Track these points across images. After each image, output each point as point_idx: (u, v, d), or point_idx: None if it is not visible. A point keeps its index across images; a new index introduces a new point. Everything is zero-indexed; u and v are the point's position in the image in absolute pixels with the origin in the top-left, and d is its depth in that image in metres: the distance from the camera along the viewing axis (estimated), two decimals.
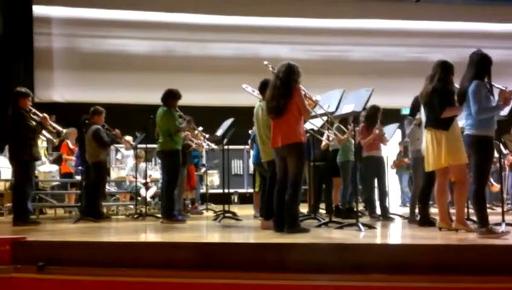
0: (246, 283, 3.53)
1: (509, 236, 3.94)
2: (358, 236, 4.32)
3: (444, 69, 4.59)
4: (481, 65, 4.15)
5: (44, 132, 5.93)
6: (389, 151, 8.09)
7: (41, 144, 7.49)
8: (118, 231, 5.48)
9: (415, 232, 4.66)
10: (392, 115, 7.78)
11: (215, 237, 4.78)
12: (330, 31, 11.85)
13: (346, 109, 4.93)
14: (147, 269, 3.64)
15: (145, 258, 3.75)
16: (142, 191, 8.13)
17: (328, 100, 5.14)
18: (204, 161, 9.94)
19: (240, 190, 11.30)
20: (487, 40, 12.09)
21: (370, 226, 4.86)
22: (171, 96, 6.01)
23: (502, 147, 8.32)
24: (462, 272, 3.41)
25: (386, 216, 6.11)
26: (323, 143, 6.45)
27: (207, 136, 6.86)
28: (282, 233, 4.48)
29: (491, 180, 8.85)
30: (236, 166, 11.60)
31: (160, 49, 11.41)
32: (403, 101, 8.28)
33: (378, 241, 4.03)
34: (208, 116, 8.07)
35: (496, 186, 8.78)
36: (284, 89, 4.56)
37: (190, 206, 7.95)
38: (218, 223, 6.06)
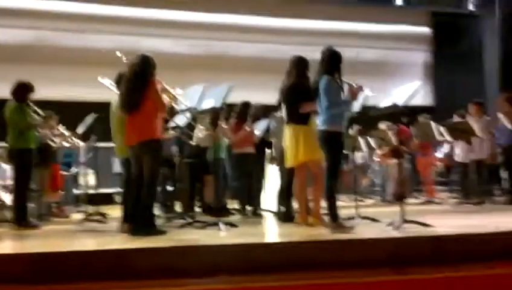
0: None
1: (356, 230, 4.04)
2: (215, 236, 4.19)
3: (300, 64, 4.63)
4: (332, 61, 4.21)
5: None
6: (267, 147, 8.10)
7: None
8: None
9: (272, 230, 4.65)
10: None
11: (50, 245, 4.29)
12: (214, 26, 11.69)
13: (206, 104, 4.77)
14: None
15: None
16: (2, 195, 7.36)
17: (191, 95, 4.95)
18: (82, 160, 9.26)
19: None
20: (366, 40, 12.73)
21: (232, 225, 4.76)
22: (22, 89, 5.47)
23: (370, 142, 8.75)
24: (309, 268, 3.41)
25: (255, 213, 6.09)
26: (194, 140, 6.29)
27: (66, 133, 6.34)
28: (136, 236, 4.21)
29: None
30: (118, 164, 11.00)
31: (28, 39, 10.49)
32: None
33: (229, 241, 3.90)
34: (81, 112, 7.51)
35: (364, 179, 9.20)
36: (138, 82, 4.30)
37: (55, 210, 7.34)
38: (79, 227, 5.62)
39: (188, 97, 4.95)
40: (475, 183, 7.13)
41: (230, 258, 3.46)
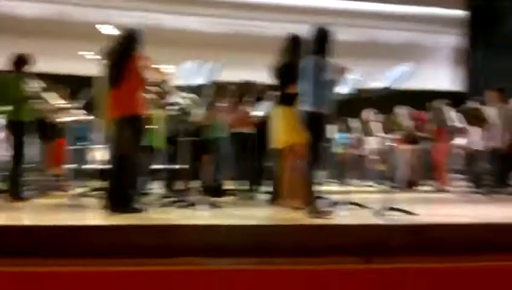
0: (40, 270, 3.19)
1: (336, 216, 3.87)
2: (191, 216, 4.11)
3: (293, 43, 4.44)
4: (320, 41, 4.00)
5: None
6: None
7: None
8: None
9: (253, 213, 4.52)
10: None
11: (23, 218, 4.30)
12: (236, 4, 11.54)
13: (196, 81, 4.64)
14: None
15: None
16: None
17: (184, 72, 4.84)
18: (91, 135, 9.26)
19: None
20: (390, 21, 12.26)
21: (215, 206, 4.64)
22: (20, 61, 5.48)
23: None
24: (277, 254, 3.27)
25: (251, 195, 5.96)
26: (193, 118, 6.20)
27: (66, 107, 6.34)
28: (113, 213, 4.17)
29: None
30: None
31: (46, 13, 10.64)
32: None
33: (200, 221, 3.80)
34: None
35: (381, 165, 8.88)
36: (120, 55, 4.21)
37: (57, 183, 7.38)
38: (71, 201, 5.61)
39: (181, 74, 4.86)
40: (488, 173, 6.78)
41: (193, 239, 3.35)
